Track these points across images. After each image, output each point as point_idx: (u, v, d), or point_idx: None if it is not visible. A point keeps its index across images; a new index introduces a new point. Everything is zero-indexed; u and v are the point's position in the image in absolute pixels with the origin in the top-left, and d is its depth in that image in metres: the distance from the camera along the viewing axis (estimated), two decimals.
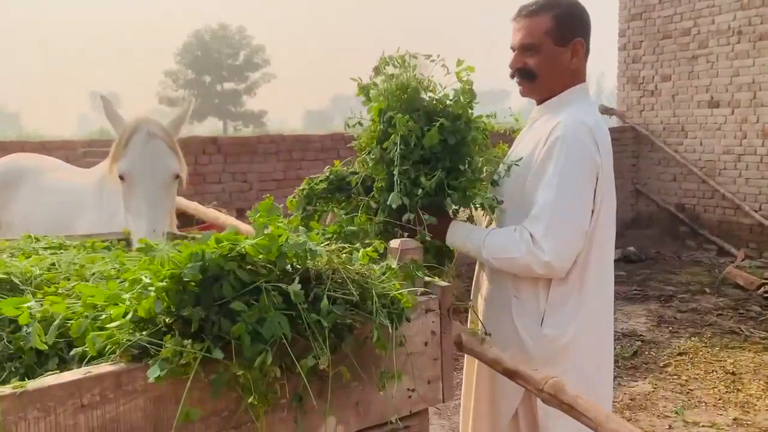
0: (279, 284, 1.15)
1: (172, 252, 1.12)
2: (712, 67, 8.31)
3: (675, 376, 4.45)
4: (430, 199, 1.81)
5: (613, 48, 9.48)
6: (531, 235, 1.76)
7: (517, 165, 1.89)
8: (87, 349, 1.10)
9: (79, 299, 1.25)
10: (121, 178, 2.38)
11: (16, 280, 1.49)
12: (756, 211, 7.92)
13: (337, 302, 1.20)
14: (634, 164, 9.31)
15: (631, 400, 4.10)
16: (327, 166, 2.02)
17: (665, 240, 8.69)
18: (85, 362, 1.14)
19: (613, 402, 3.98)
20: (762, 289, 6.31)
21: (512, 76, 1.98)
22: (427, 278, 1.52)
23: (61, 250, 1.93)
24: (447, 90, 1.87)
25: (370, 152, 1.91)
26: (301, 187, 1.99)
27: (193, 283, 1.10)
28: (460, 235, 1.87)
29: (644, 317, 5.78)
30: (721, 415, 3.86)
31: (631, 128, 9.23)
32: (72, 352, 1.14)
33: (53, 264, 1.70)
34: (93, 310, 1.19)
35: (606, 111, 9.43)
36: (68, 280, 1.57)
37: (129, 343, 1.07)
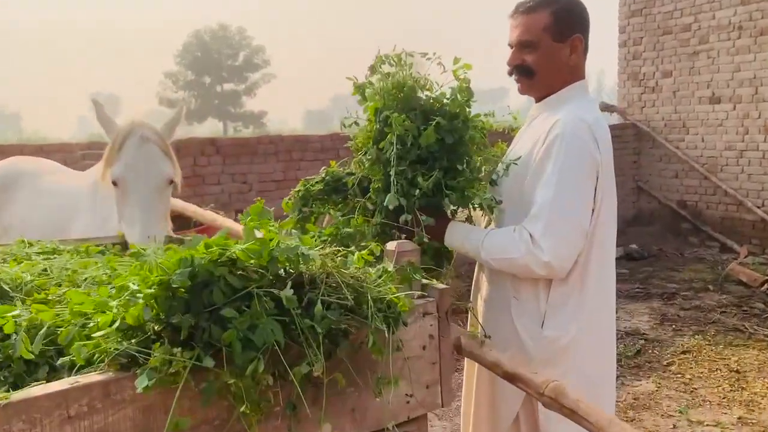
0: (271, 289, 1.12)
1: (161, 257, 1.09)
2: (713, 63, 8.26)
3: (679, 375, 4.42)
4: (428, 199, 1.78)
5: (614, 45, 9.45)
6: (530, 235, 1.73)
7: (516, 164, 1.86)
8: (74, 358, 1.07)
9: (77, 304, 1.22)
10: (115, 183, 2.34)
11: (6, 287, 1.47)
12: (759, 208, 7.88)
13: (331, 307, 1.18)
14: (636, 161, 9.27)
15: (634, 399, 4.06)
16: (323, 167, 2.00)
17: (667, 237, 8.65)
18: (74, 371, 1.11)
19: (617, 402, 3.96)
20: (765, 286, 6.27)
21: (510, 74, 1.95)
22: (424, 281, 1.49)
23: (55, 255, 1.91)
24: (444, 88, 1.84)
25: (366, 152, 1.88)
26: (296, 189, 1.96)
27: (182, 290, 1.07)
28: (458, 236, 1.84)
29: (647, 315, 5.75)
30: (725, 414, 3.83)
31: (632, 125, 9.19)
32: (59, 362, 1.11)
33: (45, 269, 1.68)
34: (81, 318, 1.16)
35: (607, 108, 9.39)
36: (60, 286, 1.54)
37: (117, 352, 1.04)
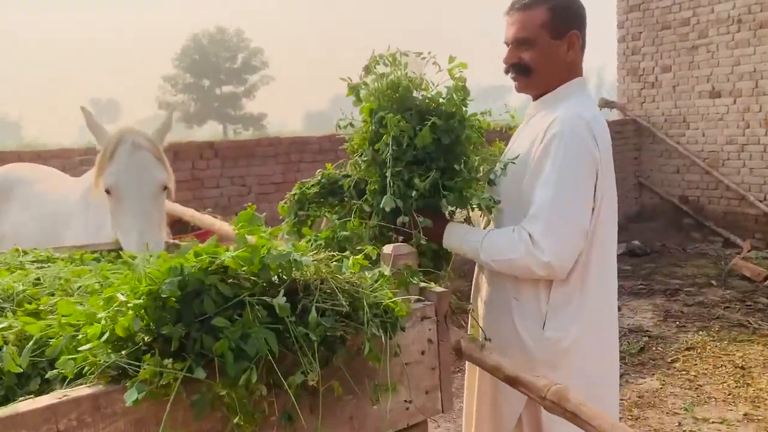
0: (264, 297, 1.09)
1: (150, 267, 1.07)
2: (713, 57, 8.23)
3: (683, 372, 4.39)
4: (425, 200, 1.75)
5: (613, 40, 9.41)
6: (530, 235, 1.70)
7: (514, 163, 1.83)
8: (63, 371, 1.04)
9: (64, 315, 1.20)
10: (108, 192, 2.31)
11: None
12: (761, 202, 7.84)
13: (326, 314, 1.15)
14: (636, 157, 9.24)
15: (639, 397, 4.03)
16: (318, 170, 1.97)
17: (670, 233, 8.61)
18: (66, 383, 1.09)
19: (621, 400, 3.93)
20: None
21: (507, 72, 1.93)
22: (422, 284, 1.46)
23: (49, 264, 1.89)
24: (440, 88, 1.82)
25: (362, 154, 1.86)
26: (292, 192, 1.94)
27: (173, 299, 1.05)
28: (456, 237, 1.81)
29: (650, 312, 5.71)
30: (731, 410, 3.79)
31: (633, 121, 9.16)
32: (48, 375, 1.09)
33: (38, 279, 1.66)
34: (71, 329, 1.14)
35: (607, 104, 9.36)
36: (53, 295, 1.52)
37: (106, 365, 1.01)
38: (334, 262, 1.27)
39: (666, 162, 8.94)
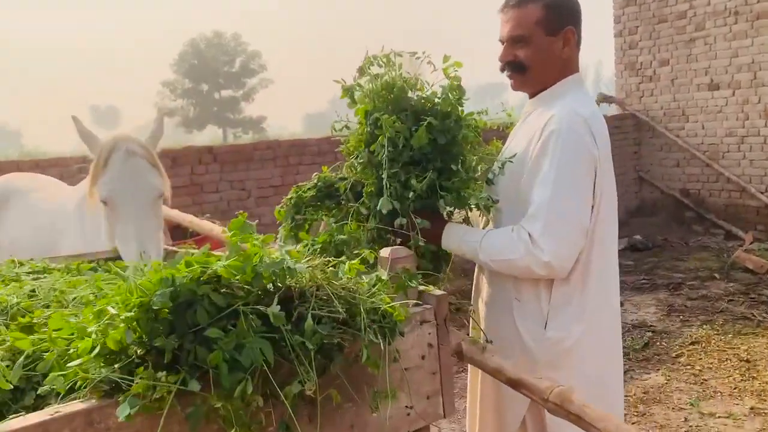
0: (258, 306, 1.07)
1: (141, 278, 1.05)
2: (711, 49, 8.19)
3: (688, 367, 4.36)
4: (423, 201, 1.73)
5: (610, 35, 9.38)
6: (529, 235, 1.68)
7: (511, 162, 1.81)
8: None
9: (55, 330, 1.18)
10: (104, 201, 2.28)
11: None
12: (762, 193, 7.80)
13: (322, 321, 1.13)
14: (636, 151, 9.21)
15: (644, 393, 4.01)
16: (315, 173, 1.95)
17: (671, 226, 8.58)
18: (60, 398, 1.07)
19: (626, 396, 3.91)
20: None
21: (502, 70, 1.90)
22: (420, 287, 1.44)
23: (45, 275, 1.87)
24: (435, 87, 1.80)
25: (358, 156, 1.84)
26: (288, 196, 1.92)
27: (165, 311, 1.03)
28: (455, 238, 1.79)
29: (654, 307, 5.69)
30: (737, 404, 3.77)
31: (632, 115, 9.12)
32: (39, 390, 1.07)
33: (33, 290, 1.64)
34: (63, 343, 1.12)
35: (605, 99, 9.33)
36: (47, 307, 1.50)
37: (98, 379, 0.99)
38: (330, 268, 1.25)
39: (666, 156, 8.91)
